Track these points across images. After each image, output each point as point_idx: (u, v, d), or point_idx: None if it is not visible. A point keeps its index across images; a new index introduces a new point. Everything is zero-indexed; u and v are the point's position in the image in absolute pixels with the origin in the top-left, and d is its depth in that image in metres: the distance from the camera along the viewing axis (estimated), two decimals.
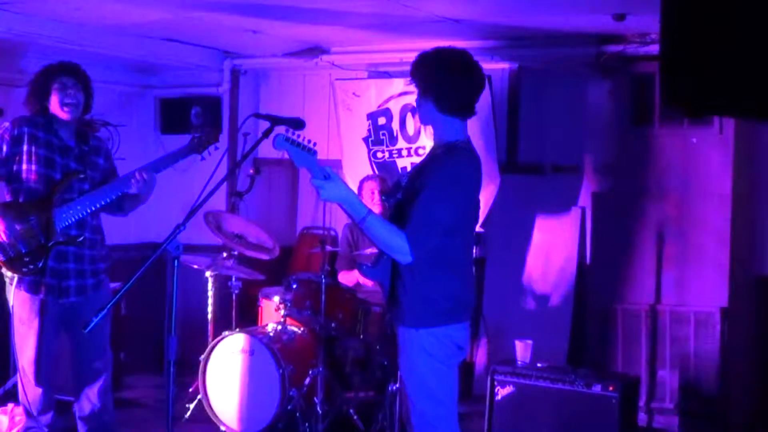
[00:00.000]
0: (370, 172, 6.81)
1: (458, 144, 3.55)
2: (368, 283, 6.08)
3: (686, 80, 2.21)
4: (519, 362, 5.32)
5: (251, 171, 6.85)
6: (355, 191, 6.84)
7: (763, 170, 6.12)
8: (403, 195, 3.56)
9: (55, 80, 4.60)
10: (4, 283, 4.69)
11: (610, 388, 4.96)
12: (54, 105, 4.60)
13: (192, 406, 5.93)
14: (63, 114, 4.61)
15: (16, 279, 4.57)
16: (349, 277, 6.23)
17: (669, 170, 6.27)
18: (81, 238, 4.64)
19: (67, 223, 4.57)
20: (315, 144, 3.47)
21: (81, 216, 4.62)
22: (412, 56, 7.14)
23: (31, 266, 4.52)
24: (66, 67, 4.67)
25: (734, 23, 2.17)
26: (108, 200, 4.66)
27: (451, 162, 3.50)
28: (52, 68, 4.66)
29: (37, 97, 4.62)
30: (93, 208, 4.65)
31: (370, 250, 5.88)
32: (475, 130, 6.72)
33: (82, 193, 4.61)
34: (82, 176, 4.64)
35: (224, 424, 5.67)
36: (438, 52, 3.59)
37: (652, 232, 6.34)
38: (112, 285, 5.04)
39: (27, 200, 4.56)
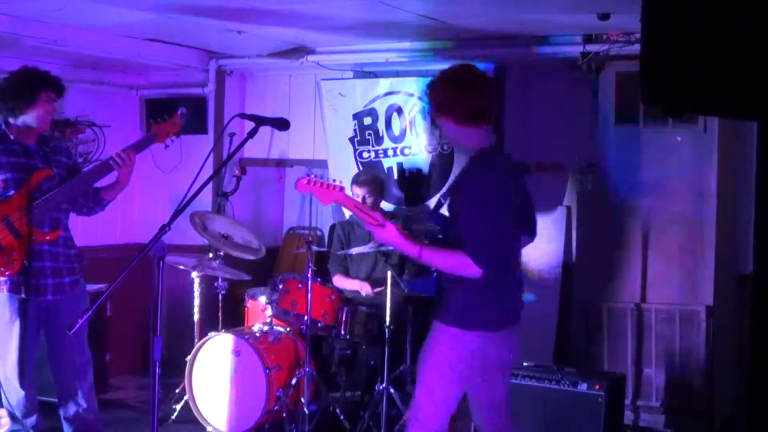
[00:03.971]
0: (357, 172, 6.79)
1: (477, 154, 3.75)
2: (369, 290, 6.06)
3: (667, 80, 2.22)
4: None
5: (237, 171, 6.84)
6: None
7: (748, 168, 6.14)
8: (450, 213, 3.77)
9: (44, 91, 4.64)
10: None
11: (596, 387, 4.97)
12: (37, 114, 4.63)
13: (179, 407, 5.92)
14: (41, 125, 4.66)
15: None
16: (346, 284, 6.17)
17: (654, 169, 6.29)
18: (56, 236, 4.64)
19: (40, 220, 4.58)
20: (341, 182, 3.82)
21: (55, 212, 4.62)
22: (397, 56, 7.17)
23: (10, 265, 4.51)
24: (53, 81, 4.71)
25: (714, 22, 2.17)
26: (81, 193, 4.69)
27: (472, 178, 3.71)
28: (40, 78, 4.68)
29: (19, 99, 4.60)
30: (66, 204, 4.67)
31: (357, 250, 5.88)
32: None
33: (51, 190, 4.62)
34: (49, 174, 4.65)
35: (211, 425, 5.66)
36: (443, 72, 3.81)
37: (638, 230, 6.36)
38: (97, 286, 5.03)
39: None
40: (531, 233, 4.00)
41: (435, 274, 3.79)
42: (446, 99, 3.72)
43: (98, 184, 4.81)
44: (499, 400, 3.90)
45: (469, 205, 3.62)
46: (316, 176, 3.83)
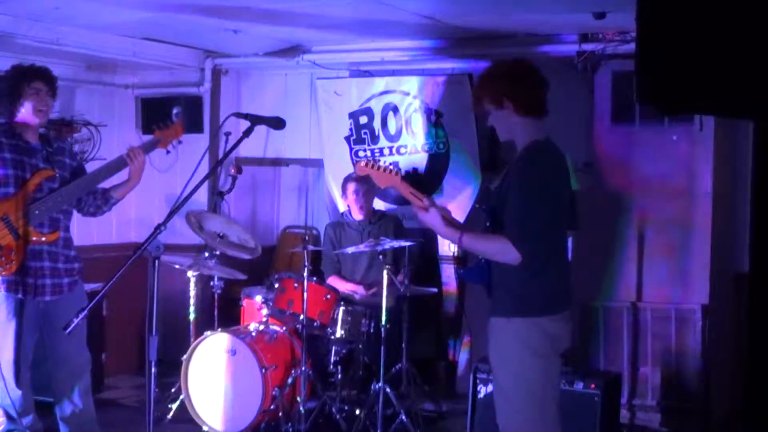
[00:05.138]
0: (352, 171, 6.79)
1: (532, 144, 3.76)
2: (363, 292, 6.08)
3: (662, 78, 2.22)
4: None
5: (233, 170, 6.83)
6: (338, 191, 6.87)
7: (744, 167, 6.15)
8: (497, 200, 3.75)
9: (28, 85, 4.61)
10: None
11: (592, 386, 4.97)
12: (26, 109, 4.61)
13: (174, 406, 5.91)
14: (34, 119, 4.65)
15: None
16: (340, 285, 6.18)
17: (650, 168, 6.29)
18: (55, 237, 4.64)
19: (40, 221, 4.57)
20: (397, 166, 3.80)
21: (55, 212, 4.62)
22: (393, 55, 7.14)
23: (8, 265, 4.50)
24: (39, 72, 4.69)
25: (710, 21, 2.18)
26: (86, 192, 4.68)
27: (525, 166, 3.71)
28: (24, 71, 4.67)
29: (8, 98, 4.60)
30: (67, 204, 4.66)
31: (352, 249, 5.88)
32: (456, 129, 6.76)
33: (53, 191, 4.61)
34: (51, 175, 4.65)
35: (207, 424, 5.65)
36: (501, 65, 3.94)
37: (634, 229, 6.36)
38: (93, 285, 5.02)
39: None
40: (574, 225, 4.02)
41: (483, 261, 3.77)
42: (512, 90, 3.76)
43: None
44: (558, 391, 3.80)
45: (518, 194, 3.62)
46: (376, 159, 3.93)
